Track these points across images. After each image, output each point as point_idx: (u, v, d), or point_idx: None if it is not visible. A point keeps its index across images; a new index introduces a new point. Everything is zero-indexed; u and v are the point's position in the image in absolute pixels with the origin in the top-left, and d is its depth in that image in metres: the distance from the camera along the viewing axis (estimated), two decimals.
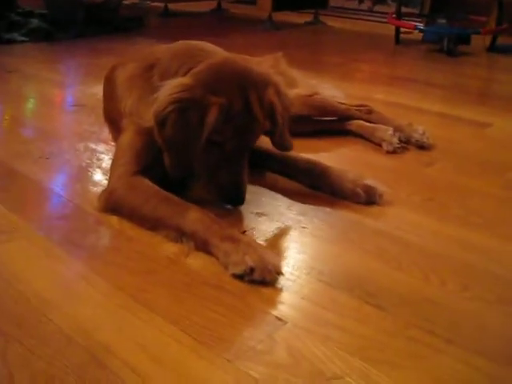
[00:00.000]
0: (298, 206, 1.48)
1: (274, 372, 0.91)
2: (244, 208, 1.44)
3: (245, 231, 1.34)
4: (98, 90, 2.63)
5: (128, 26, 4.38)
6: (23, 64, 3.20)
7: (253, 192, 1.49)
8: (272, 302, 1.08)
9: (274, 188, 1.58)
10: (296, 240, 1.33)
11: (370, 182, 1.50)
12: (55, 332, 0.99)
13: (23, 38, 3.76)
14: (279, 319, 1.03)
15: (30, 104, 2.57)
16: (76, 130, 2.09)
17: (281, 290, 1.12)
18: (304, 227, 1.37)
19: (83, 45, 3.79)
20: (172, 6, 5.38)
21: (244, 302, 1.08)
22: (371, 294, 1.11)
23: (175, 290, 1.12)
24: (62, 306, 1.07)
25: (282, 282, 1.15)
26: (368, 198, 1.48)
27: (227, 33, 4.58)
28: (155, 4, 5.47)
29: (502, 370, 0.93)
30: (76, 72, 3.24)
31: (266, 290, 1.12)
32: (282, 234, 1.36)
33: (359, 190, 1.48)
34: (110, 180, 1.45)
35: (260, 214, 1.44)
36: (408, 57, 3.77)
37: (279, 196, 1.54)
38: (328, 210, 1.47)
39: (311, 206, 1.47)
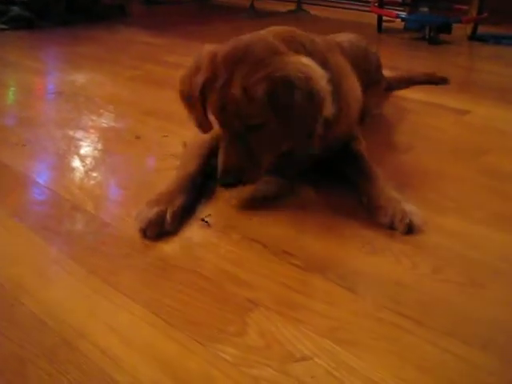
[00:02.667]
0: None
1: (244, 354, 0.92)
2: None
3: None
4: (77, 77, 2.64)
5: (110, 14, 4.35)
6: (3, 52, 3.17)
7: None
8: (244, 286, 1.09)
9: None
10: (267, 225, 1.33)
11: (408, 207, 1.33)
12: (27, 316, 1.00)
13: (4, 26, 3.72)
14: (251, 302, 1.04)
15: (10, 92, 2.55)
16: (54, 118, 2.08)
17: (253, 273, 1.13)
18: (277, 211, 1.38)
19: (64, 33, 3.76)
20: None
21: (216, 286, 1.09)
22: (343, 277, 1.12)
23: (148, 273, 1.13)
24: (35, 291, 1.07)
25: (254, 265, 1.16)
26: (392, 224, 1.30)
27: (210, 21, 4.56)
28: None
29: (474, 353, 0.94)
30: (56, 60, 3.21)
31: (238, 274, 1.13)
32: (251, 217, 1.36)
33: (389, 212, 1.32)
34: None
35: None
36: (390, 45, 3.76)
37: None
38: (301, 192, 1.48)
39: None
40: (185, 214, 1.34)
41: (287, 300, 1.05)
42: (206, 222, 1.32)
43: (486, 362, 0.92)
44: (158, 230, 1.26)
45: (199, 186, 1.43)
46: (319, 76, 1.30)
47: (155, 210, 1.28)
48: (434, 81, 2.65)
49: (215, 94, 1.32)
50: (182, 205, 1.34)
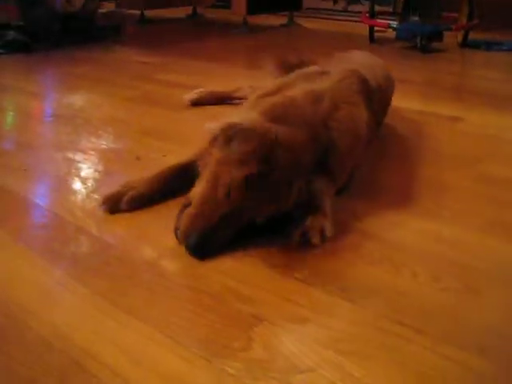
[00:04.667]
0: None
1: (250, 368, 0.94)
2: None
3: None
4: (75, 99, 2.67)
5: (105, 34, 4.40)
6: (0, 76, 3.20)
7: None
8: (248, 301, 1.11)
9: None
10: (268, 240, 1.34)
11: (311, 223, 1.33)
12: (35, 338, 1.02)
13: (0, 51, 3.76)
14: (255, 317, 1.06)
15: (8, 116, 2.58)
16: (53, 141, 2.10)
17: (256, 288, 1.15)
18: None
19: (60, 55, 3.80)
20: (148, 13, 5.40)
21: (220, 302, 1.11)
22: (344, 289, 1.14)
23: (153, 292, 1.15)
24: (41, 313, 1.09)
25: (257, 280, 1.18)
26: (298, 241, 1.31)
27: (203, 37, 4.60)
28: (131, 11, 5.48)
29: (472, 359, 0.96)
30: (53, 82, 3.25)
31: (241, 289, 1.15)
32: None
33: (296, 231, 1.32)
34: None
35: None
36: (382, 55, 3.75)
37: None
38: None
39: None
40: (150, 201, 1.50)
41: (290, 314, 1.07)
42: None
43: (482, 367, 0.94)
44: (113, 207, 1.46)
45: (180, 179, 1.53)
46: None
47: (116, 189, 1.49)
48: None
49: None
50: (147, 192, 1.50)
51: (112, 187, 1.52)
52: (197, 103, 2.44)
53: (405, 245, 1.32)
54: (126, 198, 1.46)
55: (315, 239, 1.30)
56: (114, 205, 1.46)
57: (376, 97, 1.77)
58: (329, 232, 1.32)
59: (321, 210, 1.36)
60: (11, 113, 2.62)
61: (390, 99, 2.10)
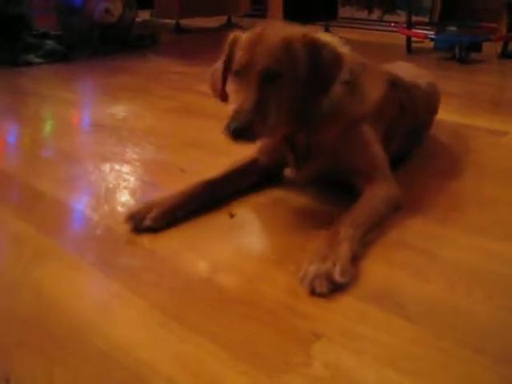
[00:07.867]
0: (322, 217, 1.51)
1: None
2: None
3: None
4: (116, 109, 2.71)
5: (141, 43, 4.46)
6: (40, 86, 3.26)
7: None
8: (304, 317, 1.12)
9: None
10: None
11: (318, 269, 1.21)
12: (97, 351, 1.03)
13: (39, 60, 3.82)
14: (313, 333, 1.06)
15: (49, 125, 2.62)
16: (98, 151, 2.12)
17: (312, 304, 1.16)
18: None
19: (98, 64, 3.86)
20: (183, 22, 5.44)
21: (277, 318, 1.12)
22: (400, 306, 1.14)
23: (209, 307, 1.16)
24: (101, 326, 1.10)
25: (312, 297, 1.18)
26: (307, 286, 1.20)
27: None
28: (167, 21, 5.53)
29: None
30: (92, 92, 3.29)
31: (297, 305, 1.15)
32: (305, 247, 1.38)
33: (306, 277, 1.21)
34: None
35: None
36: (420, 66, 3.72)
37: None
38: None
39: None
40: (177, 216, 1.50)
41: (347, 330, 1.08)
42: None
43: None
44: (137, 224, 1.45)
45: (204, 196, 1.58)
46: (342, 48, 1.53)
47: (140, 207, 1.50)
48: None
49: (246, 43, 1.51)
50: (171, 210, 1.50)
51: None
52: None
53: (458, 261, 1.31)
54: (150, 215, 1.46)
55: (320, 288, 1.18)
56: (138, 222, 1.45)
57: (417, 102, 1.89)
58: (338, 277, 1.20)
59: (333, 253, 1.25)
60: (53, 122, 2.66)
61: (437, 107, 2.16)
